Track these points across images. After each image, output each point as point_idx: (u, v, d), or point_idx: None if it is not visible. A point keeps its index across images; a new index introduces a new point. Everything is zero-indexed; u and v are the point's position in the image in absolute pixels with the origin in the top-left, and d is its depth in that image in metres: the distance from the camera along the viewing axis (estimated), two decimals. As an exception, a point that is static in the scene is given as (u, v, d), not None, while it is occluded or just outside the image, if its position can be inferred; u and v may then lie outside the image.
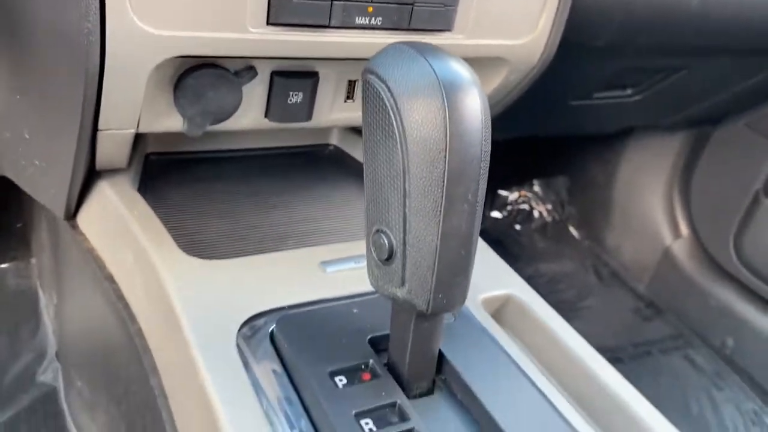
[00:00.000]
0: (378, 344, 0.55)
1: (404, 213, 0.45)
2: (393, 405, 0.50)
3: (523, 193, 1.93)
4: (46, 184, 0.77)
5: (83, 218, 0.78)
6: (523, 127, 1.27)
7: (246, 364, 0.54)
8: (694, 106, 1.39)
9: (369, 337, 0.55)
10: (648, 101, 1.27)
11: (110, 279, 0.73)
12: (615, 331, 1.61)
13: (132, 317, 0.68)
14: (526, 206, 1.92)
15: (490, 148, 0.46)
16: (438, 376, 0.55)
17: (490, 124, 0.45)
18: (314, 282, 0.64)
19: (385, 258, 0.48)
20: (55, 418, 1.05)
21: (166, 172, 0.82)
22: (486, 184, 0.47)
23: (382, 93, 0.44)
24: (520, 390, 0.55)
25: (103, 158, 0.69)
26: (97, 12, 0.51)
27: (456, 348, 0.56)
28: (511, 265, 1.91)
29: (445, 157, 0.43)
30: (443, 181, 0.44)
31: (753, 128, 1.49)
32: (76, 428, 1.02)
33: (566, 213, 1.91)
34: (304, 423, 0.50)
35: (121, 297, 0.70)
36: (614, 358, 1.53)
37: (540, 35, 0.72)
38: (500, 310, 0.69)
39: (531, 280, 1.83)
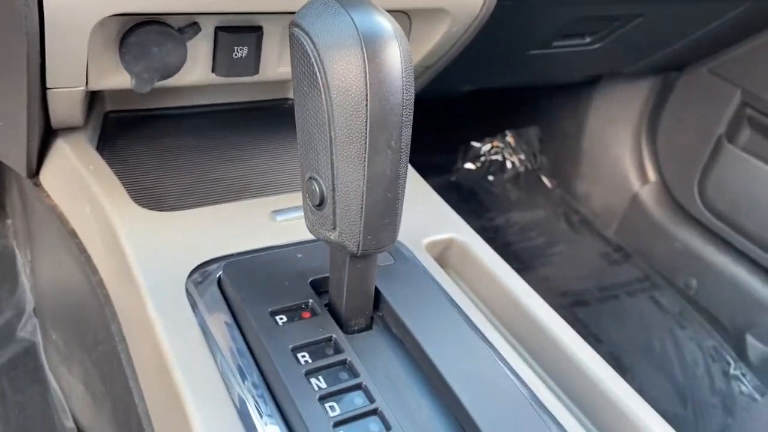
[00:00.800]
0: (319, 286, 0.59)
1: (332, 160, 0.48)
2: (329, 339, 0.54)
3: (495, 144, 1.95)
4: (6, 144, 0.79)
5: (45, 176, 0.80)
6: (486, 77, 1.29)
7: (194, 307, 0.57)
8: (655, 54, 1.41)
9: (311, 279, 0.59)
10: (608, 49, 1.29)
11: (73, 233, 0.76)
12: (583, 275, 1.66)
13: (93, 269, 0.71)
14: (498, 157, 1.94)
15: (412, 97, 0.48)
16: (375, 313, 0.59)
17: (411, 73, 0.48)
18: (263, 230, 0.67)
19: (317, 204, 0.51)
20: (35, 372, 1.09)
21: (125, 130, 0.84)
22: (410, 131, 0.50)
23: (306, 46, 0.46)
24: (454, 326, 0.58)
25: (57, 117, 0.71)
26: None
27: (394, 287, 0.60)
28: (482, 215, 1.94)
29: (367, 106, 0.46)
30: (366, 129, 0.46)
31: (715, 73, 1.51)
32: (55, 380, 1.06)
33: (538, 163, 1.94)
34: (249, 364, 0.53)
35: (83, 250, 0.73)
36: (580, 301, 1.58)
37: (480, -16, 0.73)
38: (443, 253, 0.72)
39: (503, 229, 1.87)
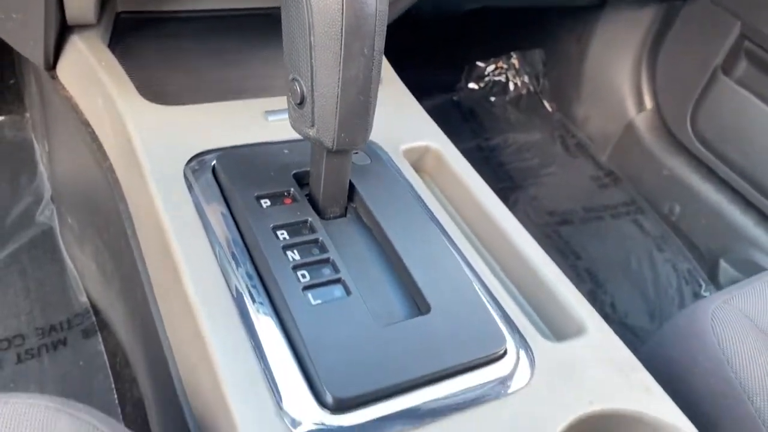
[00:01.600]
0: (301, 179, 0.66)
1: (311, 64, 0.55)
2: (305, 222, 0.62)
3: (500, 64, 1.98)
4: (25, 37, 0.85)
5: (61, 69, 0.87)
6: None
7: (191, 190, 0.66)
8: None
9: (294, 172, 0.67)
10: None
11: (86, 123, 0.84)
12: (571, 196, 1.73)
13: (104, 155, 0.79)
14: (502, 78, 1.98)
15: (386, 8, 0.54)
16: (350, 204, 0.67)
17: None
18: (256, 128, 0.74)
19: (298, 102, 0.58)
20: (52, 253, 1.19)
21: (135, 30, 0.90)
22: (384, 40, 0.56)
23: None
24: (418, 218, 0.66)
25: (72, 12, 0.78)
26: None
27: (368, 183, 0.68)
28: (480, 135, 2.00)
29: (342, 15, 0.52)
30: (341, 37, 0.53)
31: (718, 4, 1.53)
32: (70, 259, 1.17)
33: (541, 86, 1.98)
34: (235, 238, 0.62)
35: (95, 138, 0.81)
36: (566, 220, 1.66)
37: None
38: (419, 160, 0.80)
39: (499, 149, 1.93)
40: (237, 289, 0.57)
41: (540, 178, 1.77)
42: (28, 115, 1.43)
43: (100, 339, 1.07)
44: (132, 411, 0.98)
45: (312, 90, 0.55)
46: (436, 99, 1.90)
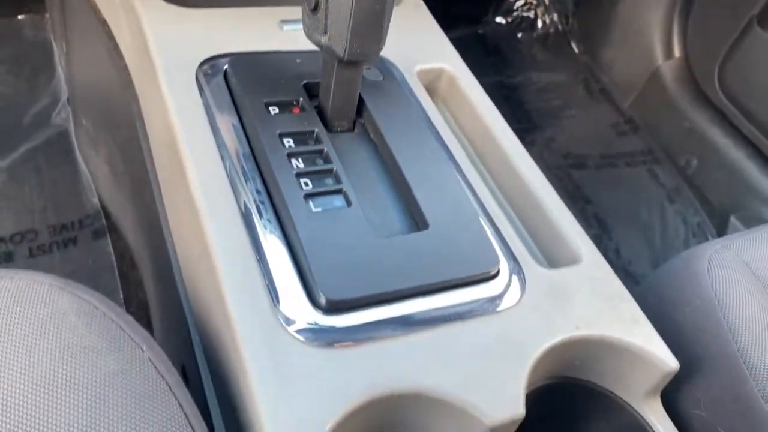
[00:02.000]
0: (311, 90, 0.66)
1: None
2: (312, 132, 0.62)
3: (530, 0, 1.93)
4: None
5: None
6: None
7: (201, 92, 0.66)
8: None
9: (304, 82, 0.66)
10: None
11: (103, 22, 0.83)
12: (589, 141, 1.71)
13: (120, 54, 0.79)
14: (530, 14, 1.93)
15: None
16: (358, 119, 0.67)
17: None
18: (270, 36, 0.74)
19: (312, 8, 0.57)
20: (67, 153, 1.21)
21: None
22: None
23: None
24: (424, 138, 0.66)
25: None
26: None
27: (379, 100, 0.67)
28: (503, 71, 1.96)
29: None
30: None
31: (761, -50, 1.47)
32: (84, 162, 1.18)
33: (569, 25, 1.93)
34: (242, 142, 0.62)
35: (111, 37, 0.81)
36: (579, 164, 1.65)
37: None
38: (433, 82, 0.79)
39: (521, 87, 1.90)
40: (246, 205, 0.57)
41: (559, 120, 1.75)
42: (47, 15, 1.42)
43: (110, 241, 1.10)
44: (136, 311, 1.02)
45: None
46: (460, 30, 1.86)
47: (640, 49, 1.77)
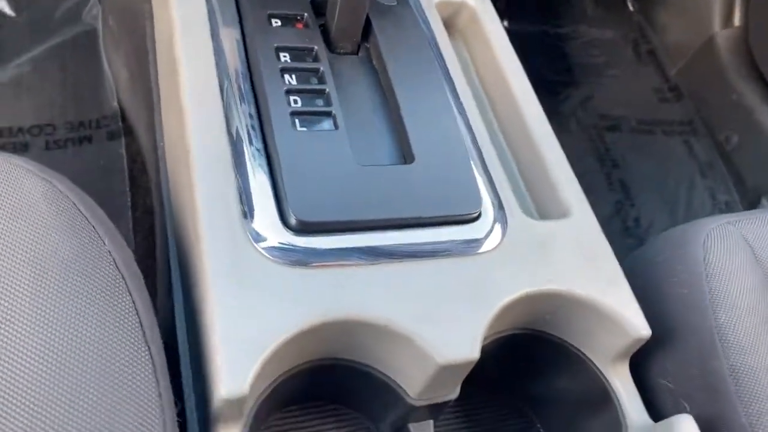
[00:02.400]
0: (319, 7, 0.64)
1: None
2: (311, 50, 0.60)
3: (588, -50, 1.83)
4: None
5: None
6: None
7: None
8: None
9: None
10: None
11: None
12: (627, 103, 1.65)
13: None
14: (587, -36, 1.84)
15: None
16: (363, 43, 0.65)
17: None
18: None
19: None
20: (92, 53, 1.21)
21: None
22: None
23: None
24: (429, 72, 0.63)
25: None
26: None
27: (388, 25, 0.65)
28: (550, 20, 1.89)
29: None
30: None
31: None
32: (106, 60, 1.19)
33: (628, -20, 1.83)
34: (240, 54, 0.61)
35: None
36: (614, 126, 1.60)
37: None
38: (452, 17, 0.76)
39: (566, 39, 1.83)
40: (237, 130, 0.56)
41: (600, 78, 1.68)
42: None
43: (123, 143, 1.11)
44: (141, 217, 1.03)
45: None
46: (512, -27, 1.78)
47: (698, 13, 1.68)
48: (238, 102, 0.58)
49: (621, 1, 1.83)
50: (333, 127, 0.56)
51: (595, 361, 0.58)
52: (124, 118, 1.13)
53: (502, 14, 0.81)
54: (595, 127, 1.58)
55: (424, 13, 0.71)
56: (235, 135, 0.56)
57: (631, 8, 1.82)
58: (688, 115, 1.65)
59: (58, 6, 1.27)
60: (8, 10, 1.24)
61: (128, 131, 1.11)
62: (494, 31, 0.74)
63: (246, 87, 0.58)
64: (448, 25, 0.75)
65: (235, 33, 0.62)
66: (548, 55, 1.69)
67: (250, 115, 0.57)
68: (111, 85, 1.17)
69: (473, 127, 0.64)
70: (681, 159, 1.58)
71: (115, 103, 1.15)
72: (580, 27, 1.77)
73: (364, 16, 0.62)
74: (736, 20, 1.63)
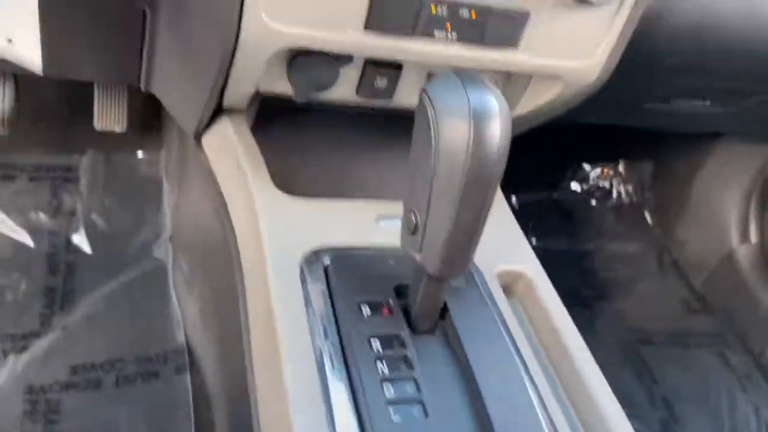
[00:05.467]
0: (401, 291, 0.73)
1: (428, 204, 0.61)
2: (398, 336, 0.68)
3: (606, 171, 2.00)
4: (183, 109, 0.98)
5: (207, 141, 0.99)
6: (598, 116, 1.35)
7: (303, 283, 0.73)
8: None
9: (396, 284, 0.73)
10: (732, 114, 1.32)
11: (219, 194, 0.94)
12: (658, 316, 1.71)
13: (231, 227, 0.88)
14: (606, 183, 1.99)
15: (503, 167, 0.60)
16: (440, 322, 0.72)
17: (507, 148, 0.59)
18: (368, 231, 0.82)
19: (411, 231, 0.64)
20: (162, 287, 1.31)
21: (276, 116, 1.01)
22: (495, 191, 0.62)
23: (428, 109, 0.59)
24: (502, 350, 0.71)
25: (227, 102, 0.89)
26: (238, 7, 0.69)
27: (460, 307, 0.73)
28: (574, 236, 2.00)
29: (464, 169, 0.58)
30: (460, 188, 0.59)
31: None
32: (176, 298, 1.28)
33: (645, 198, 1.98)
34: (334, 337, 0.69)
35: (224, 207, 0.91)
36: (647, 340, 1.64)
37: (597, 61, 0.83)
38: (512, 284, 0.84)
39: (590, 255, 1.93)
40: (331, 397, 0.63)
41: (628, 291, 1.76)
42: (163, 152, 1.58)
43: (189, 378, 1.17)
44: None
45: (425, 225, 0.62)
46: (535, 194, 1.93)
47: (715, 229, 1.79)
48: (336, 383, 0.64)
49: (641, 216, 1.96)
50: (423, 415, 0.62)
51: None
52: (190, 353, 1.20)
53: (528, 232, 0.90)
54: (628, 341, 1.63)
55: (487, 286, 0.80)
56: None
57: (650, 223, 1.95)
58: (718, 327, 1.70)
59: (131, 242, 1.39)
60: (87, 248, 1.36)
61: (194, 366, 1.17)
62: (551, 300, 0.82)
63: (342, 372, 0.65)
64: (507, 290, 0.83)
65: (328, 312, 0.71)
66: (576, 271, 1.79)
67: (348, 401, 0.63)
68: (179, 319, 1.25)
69: (545, 402, 0.69)
70: (717, 371, 1.61)
71: (182, 338, 1.23)
72: (603, 242, 1.89)
73: (443, 302, 0.70)
74: (753, 237, 1.73)
